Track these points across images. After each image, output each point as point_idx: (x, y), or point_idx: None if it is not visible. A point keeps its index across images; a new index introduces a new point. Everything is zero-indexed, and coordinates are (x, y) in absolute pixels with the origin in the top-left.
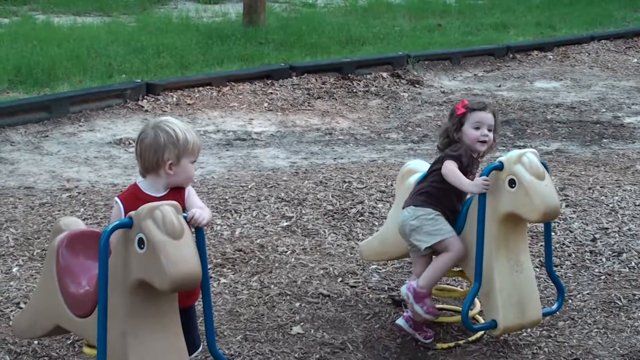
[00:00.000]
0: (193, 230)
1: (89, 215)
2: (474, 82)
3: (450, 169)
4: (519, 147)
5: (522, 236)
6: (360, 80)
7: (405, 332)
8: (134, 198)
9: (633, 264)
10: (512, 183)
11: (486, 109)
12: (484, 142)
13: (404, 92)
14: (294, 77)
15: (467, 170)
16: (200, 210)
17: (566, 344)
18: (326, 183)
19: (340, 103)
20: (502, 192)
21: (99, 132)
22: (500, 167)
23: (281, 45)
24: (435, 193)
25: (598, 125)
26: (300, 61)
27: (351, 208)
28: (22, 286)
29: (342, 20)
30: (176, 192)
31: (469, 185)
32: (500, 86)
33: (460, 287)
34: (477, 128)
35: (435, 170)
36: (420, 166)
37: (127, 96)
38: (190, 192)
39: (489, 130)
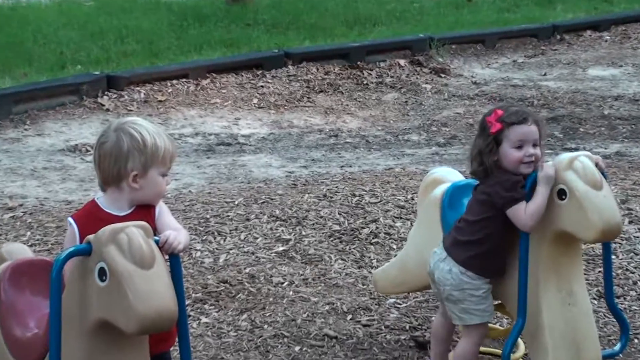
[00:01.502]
0: (167, 257)
1: (38, 240)
2: (512, 70)
3: (524, 216)
4: (570, 150)
5: (576, 260)
6: (371, 70)
7: None
8: (92, 218)
9: None
10: (562, 194)
11: (528, 121)
12: (529, 162)
13: (426, 83)
14: (290, 67)
15: None
16: (175, 232)
17: None
18: (331, 197)
19: (348, 98)
20: (550, 205)
21: (49, 137)
22: None
23: (274, 27)
24: (494, 250)
25: None
26: (297, 46)
27: (363, 228)
28: None
29: None
30: (144, 211)
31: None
32: (545, 75)
33: (500, 325)
34: (520, 147)
35: (484, 219)
36: (448, 175)
37: (84, 92)
38: (162, 211)
39: (535, 145)
